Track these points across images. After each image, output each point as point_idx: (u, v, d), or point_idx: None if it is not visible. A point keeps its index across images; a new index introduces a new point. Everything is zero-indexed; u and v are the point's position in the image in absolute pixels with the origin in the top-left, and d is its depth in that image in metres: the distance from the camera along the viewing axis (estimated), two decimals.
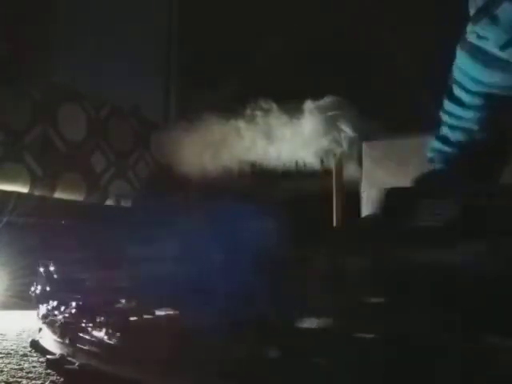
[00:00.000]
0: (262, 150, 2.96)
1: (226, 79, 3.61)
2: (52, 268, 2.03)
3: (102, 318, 1.57)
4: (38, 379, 1.32)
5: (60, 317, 1.80)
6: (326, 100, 2.85)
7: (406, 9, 3.19)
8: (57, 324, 1.74)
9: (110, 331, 1.47)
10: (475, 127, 1.66)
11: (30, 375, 1.35)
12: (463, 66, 1.66)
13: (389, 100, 3.04)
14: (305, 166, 2.89)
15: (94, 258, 1.97)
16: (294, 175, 2.92)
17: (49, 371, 1.40)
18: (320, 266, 1.26)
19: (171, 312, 1.75)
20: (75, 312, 1.76)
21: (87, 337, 1.53)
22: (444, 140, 1.76)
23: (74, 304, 1.80)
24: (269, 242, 1.43)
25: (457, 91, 1.72)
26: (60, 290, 1.96)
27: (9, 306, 2.68)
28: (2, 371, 1.38)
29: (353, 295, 1.19)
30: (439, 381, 0.92)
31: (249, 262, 1.35)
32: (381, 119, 2.82)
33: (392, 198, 1.36)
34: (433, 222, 1.21)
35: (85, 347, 1.47)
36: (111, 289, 1.80)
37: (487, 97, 1.59)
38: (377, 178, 2.70)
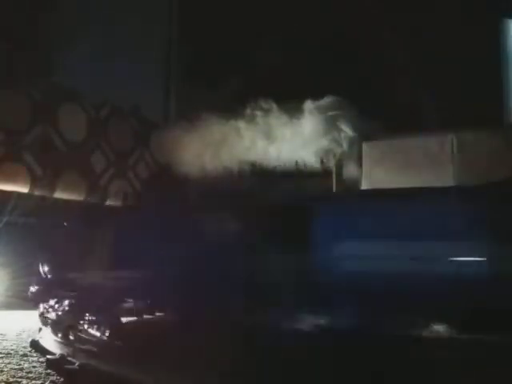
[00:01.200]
0: (262, 150, 2.95)
1: (226, 79, 3.61)
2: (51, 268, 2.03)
3: (103, 318, 1.57)
4: (38, 379, 1.32)
5: (59, 316, 1.80)
6: (326, 100, 2.84)
7: (406, 9, 3.19)
8: (57, 324, 1.74)
9: (110, 331, 1.46)
10: None
11: (30, 375, 1.35)
12: None
13: (389, 100, 3.04)
14: (305, 165, 2.89)
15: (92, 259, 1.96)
16: (294, 175, 2.92)
17: (49, 371, 1.40)
18: None
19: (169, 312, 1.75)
20: (75, 311, 1.76)
21: (87, 336, 1.53)
22: None
23: (74, 304, 1.80)
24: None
25: None
26: (59, 290, 1.96)
27: (9, 306, 2.68)
28: (1, 371, 1.38)
29: None
30: None
31: None
32: (381, 119, 2.82)
33: None
34: None
35: (85, 347, 1.47)
36: (112, 289, 1.80)
37: None
38: (377, 177, 2.69)
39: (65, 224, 2.20)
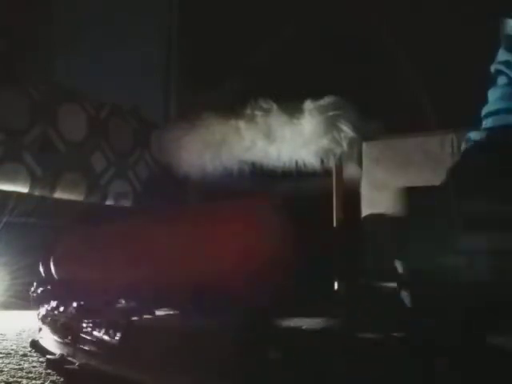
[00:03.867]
0: (262, 150, 2.95)
1: (226, 79, 3.61)
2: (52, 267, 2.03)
3: (102, 318, 1.57)
4: (38, 379, 1.32)
5: (60, 317, 1.80)
6: (326, 100, 2.84)
7: (406, 8, 3.19)
8: (57, 324, 1.74)
9: (110, 331, 1.46)
10: None
11: (30, 375, 1.35)
12: None
13: (389, 100, 3.04)
14: (305, 165, 2.89)
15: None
16: (294, 175, 2.92)
17: (49, 371, 1.40)
18: None
19: (171, 312, 1.75)
20: (75, 312, 1.76)
21: (87, 337, 1.53)
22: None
23: (74, 304, 1.80)
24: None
25: None
26: (60, 290, 1.96)
27: (9, 306, 2.68)
28: (1, 371, 1.37)
29: None
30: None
31: None
32: (381, 119, 2.82)
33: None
34: None
35: (85, 347, 1.47)
36: (111, 288, 1.80)
37: None
38: (377, 178, 2.69)
39: (70, 225, 2.20)
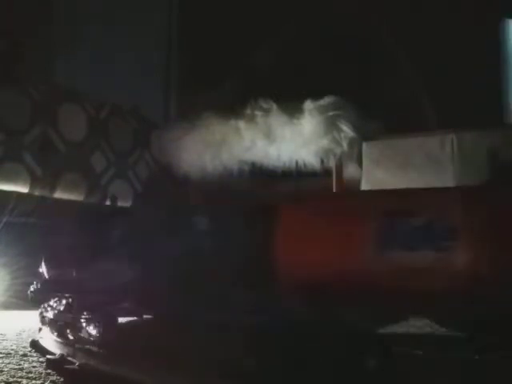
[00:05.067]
0: (262, 150, 2.95)
1: (226, 79, 3.61)
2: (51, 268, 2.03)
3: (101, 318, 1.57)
4: (38, 379, 1.32)
5: (59, 316, 1.80)
6: (326, 100, 2.84)
7: (406, 8, 3.19)
8: (57, 324, 1.74)
9: (110, 331, 1.47)
10: None
11: (30, 375, 1.35)
12: None
13: (389, 100, 3.05)
14: (305, 165, 2.89)
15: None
16: (294, 175, 2.92)
17: (49, 371, 1.40)
18: None
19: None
20: (75, 311, 1.76)
21: (87, 336, 1.53)
22: None
23: (74, 304, 1.80)
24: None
25: None
26: (59, 290, 1.96)
27: (9, 306, 2.68)
28: (1, 371, 1.38)
29: None
30: None
31: None
32: (381, 119, 2.82)
33: None
34: None
35: (85, 347, 1.47)
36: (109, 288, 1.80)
37: None
38: (377, 177, 2.70)
39: (68, 225, 2.19)
